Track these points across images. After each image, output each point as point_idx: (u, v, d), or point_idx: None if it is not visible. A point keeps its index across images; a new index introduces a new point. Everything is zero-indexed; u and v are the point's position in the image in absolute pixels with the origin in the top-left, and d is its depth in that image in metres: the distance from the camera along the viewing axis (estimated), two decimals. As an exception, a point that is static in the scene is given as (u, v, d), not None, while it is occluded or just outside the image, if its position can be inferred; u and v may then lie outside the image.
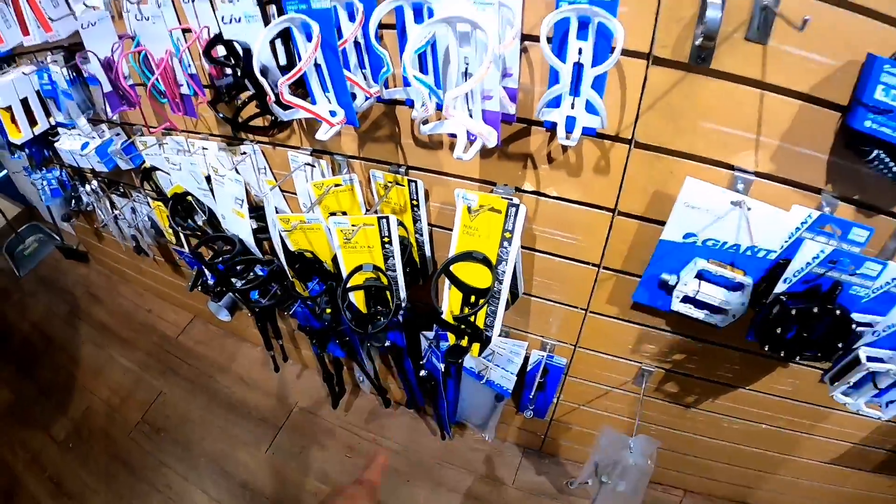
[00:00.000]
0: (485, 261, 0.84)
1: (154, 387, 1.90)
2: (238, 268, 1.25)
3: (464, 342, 0.91)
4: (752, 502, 1.44)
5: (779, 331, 0.75)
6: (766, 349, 0.79)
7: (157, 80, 1.08)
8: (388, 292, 0.98)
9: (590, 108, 0.72)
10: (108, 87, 1.24)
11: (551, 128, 0.75)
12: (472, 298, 0.87)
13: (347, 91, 0.79)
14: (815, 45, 0.61)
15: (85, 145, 1.54)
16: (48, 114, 1.49)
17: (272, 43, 0.81)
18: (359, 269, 0.96)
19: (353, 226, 0.92)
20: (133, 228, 1.76)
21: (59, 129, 1.57)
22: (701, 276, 0.81)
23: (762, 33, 0.62)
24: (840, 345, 0.77)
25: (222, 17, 0.86)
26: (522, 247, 0.95)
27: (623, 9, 0.62)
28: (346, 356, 1.37)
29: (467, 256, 0.85)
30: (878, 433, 1.08)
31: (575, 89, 0.70)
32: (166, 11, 0.97)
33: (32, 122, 1.46)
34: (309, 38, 0.73)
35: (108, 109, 1.31)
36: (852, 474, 1.20)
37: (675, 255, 0.81)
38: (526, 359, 1.14)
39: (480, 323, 0.89)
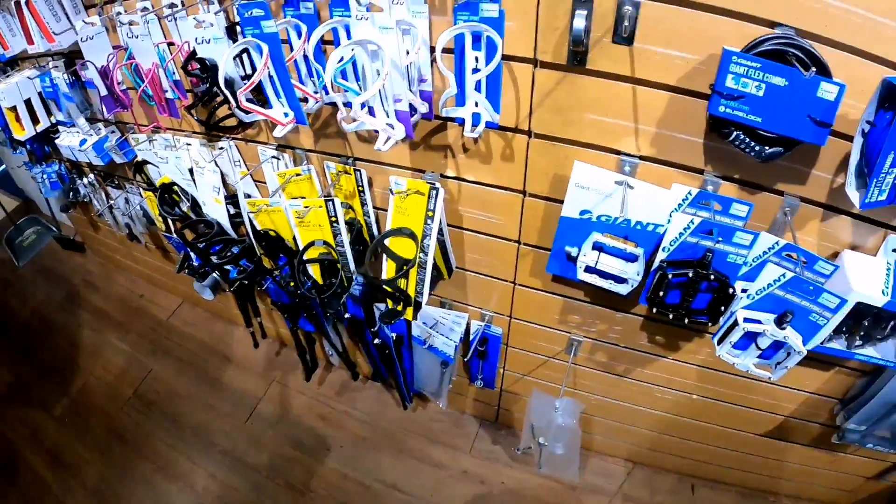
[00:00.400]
0: (412, 235, 0.99)
1: (145, 365, 2.06)
2: (217, 248, 1.41)
3: (399, 307, 1.05)
4: (701, 475, 1.55)
5: (661, 294, 0.88)
6: (654, 311, 0.92)
7: (146, 87, 1.23)
8: (339, 265, 1.13)
9: (491, 105, 0.87)
10: (104, 91, 1.39)
11: (462, 123, 0.89)
12: (404, 267, 1.01)
13: (296, 96, 0.94)
14: (676, 43, 0.73)
15: (83, 142, 1.70)
16: (49, 113, 1.66)
17: (239, 58, 0.96)
18: (311, 244, 1.11)
19: (305, 207, 1.07)
20: (126, 217, 1.92)
21: (60, 127, 1.73)
22: (600, 248, 0.93)
23: (626, 37, 0.75)
24: (722, 308, 0.89)
25: (195, 38, 1.01)
26: (452, 225, 1.10)
27: (510, 23, 0.78)
28: (315, 330, 1.53)
29: (398, 232, 1.00)
30: (807, 405, 1.17)
31: (478, 90, 0.85)
32: (153, 28, 1.13)
33: (35, 120, 1.62)
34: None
35: (105, 110, 1.47)
36: (789, 448, 1.30)
37: (576, 230, 0.95)
38: (468, 329, 1.28)
39: (412, 290, 1.04)
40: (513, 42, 0.80)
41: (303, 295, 1.26)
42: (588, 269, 0.96)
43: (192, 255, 1.55)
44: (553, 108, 0.85)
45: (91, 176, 2.01)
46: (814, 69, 0.66)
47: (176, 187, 1.52)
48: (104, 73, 1.37)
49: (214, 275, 1.70)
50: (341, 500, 1.59)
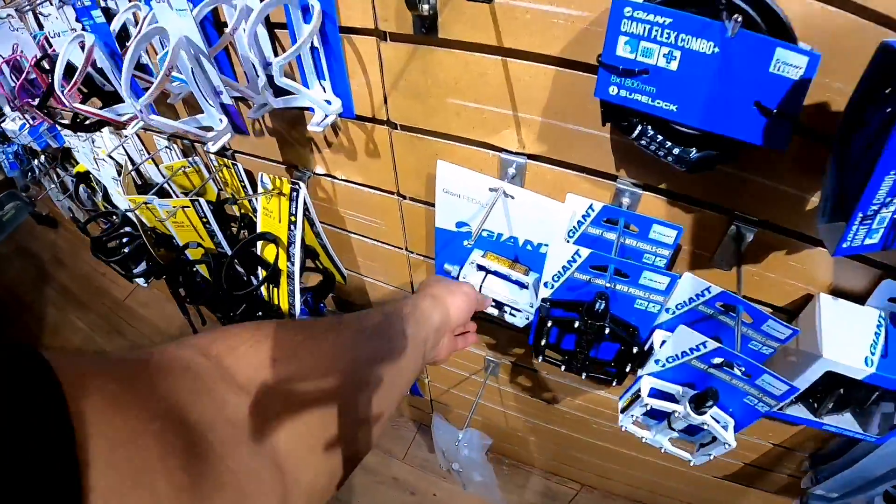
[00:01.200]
0: (276, 242, 0.85)
1: (99, 346, 1.98)
2: (125, 240, 1.31)
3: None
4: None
5: (542, 342, 0.67)
6: (540, 360, 0.70)
7: (24, 80, 1.12)
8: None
9: (339, 91, 0.71)
10: (12, 82, 1.29)
11: (314, 112, 0.74)
12: (267, 278, 0.88)
13: (141, 90, 0.80)
14: None
15: (22, 127, 1.63)
16: None
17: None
18: (187, 245, 0.99)
19: (173, 207, 0.95)
20: (68, 200, 1.85)
21: (5, 111, 1.67)
22: (485, 269, 0.73)
23: None
24: (628, 367, 0.66)
25: (49, 32, 0.88)
26: (336, 227, 0.95)
27: None
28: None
29: (261, 237, 0.87)
30: (770, 456, 0.95)
31: (320, 74, 0.70)
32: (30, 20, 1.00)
33: None
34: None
35: (18, 98, 1.37)
36: (752, 493, 1.10)
37: (455, 246, 0.75)
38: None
39: (284, 302, 0.91)
40: (348, 9, 0.59)
41: (202, 294, 1.16)
42: None
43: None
44: (410, 91, 0.64)
45: (41, 157, 1.96)
46: (763, 26, 0.40)
47: (91, 176, 1.43)
48: (10, 62, 1.28)
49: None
50: None
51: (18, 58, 1.15)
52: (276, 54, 0.69)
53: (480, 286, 0.72)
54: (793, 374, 0.59)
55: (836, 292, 0.61)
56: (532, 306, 0.71)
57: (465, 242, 0.74)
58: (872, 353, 0.56)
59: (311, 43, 0.64)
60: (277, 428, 0.32)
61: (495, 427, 1.33)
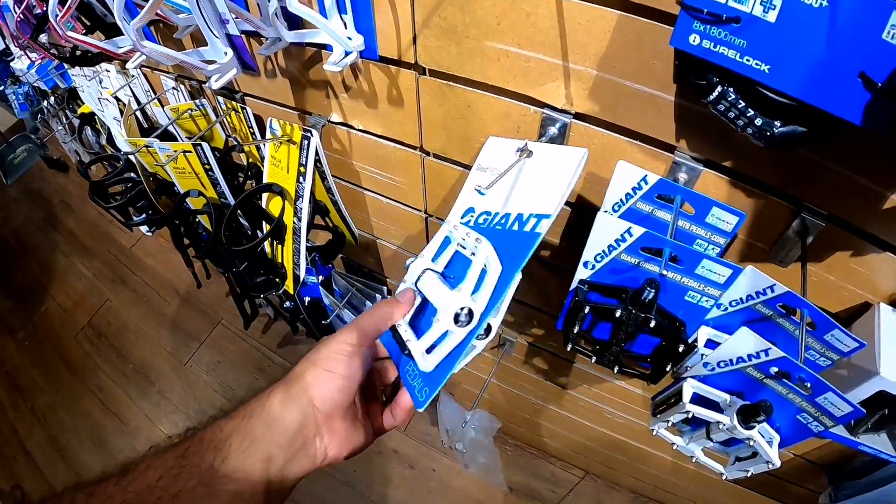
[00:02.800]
0: (282, 194, 0.77)
1: (102, 294, 1.95)
2: (129, 185, 1.24)
3: (277, 279, 0.86)
4: (660, 500, 1.34)
5: (576, 329, 0.57)
6: (569, 349, 0.61)
7: (25, 11, 1.03)
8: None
9: (362, 28, 0.62)
10: (19, 16, 1.21)
11: (332, 51, 0.65)
12: (270, 233, 0.81)
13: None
14: None
15: (31, 66, 1.55)
16: (3, 36, 1.51)
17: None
18: (188, 194, 0.92)
19: (174, 150, 0.87)
20: (74, 143, 1.78)
21: (13, 50, 1.59)
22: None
23: None
24: (668, 367, 0.57)
25: None
26: (350, 182, 0.87)
27: None
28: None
29: (267, 188, 0.79)
30: (789, 466, 0.86)
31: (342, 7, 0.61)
32: None
33: None
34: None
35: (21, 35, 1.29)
36: (762, 500, 1.02)
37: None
38: (387, 305, 1.09)
39: (288, 261, 0.84)
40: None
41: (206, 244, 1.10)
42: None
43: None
44: (444, 30, 0.55)
45: (51, 98, 1.88)
46: None
47: (96, 117, 1.36)
48: None
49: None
50: None
51: None
52: (292, -23, 0.59)
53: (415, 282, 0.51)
54: (843, 390, 0.51)
55: None
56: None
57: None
58: None
59: (333, -36, 0.55)
60: None
61: (502, 406, 1.28)
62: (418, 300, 0.48)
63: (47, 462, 1.63)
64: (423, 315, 0.49)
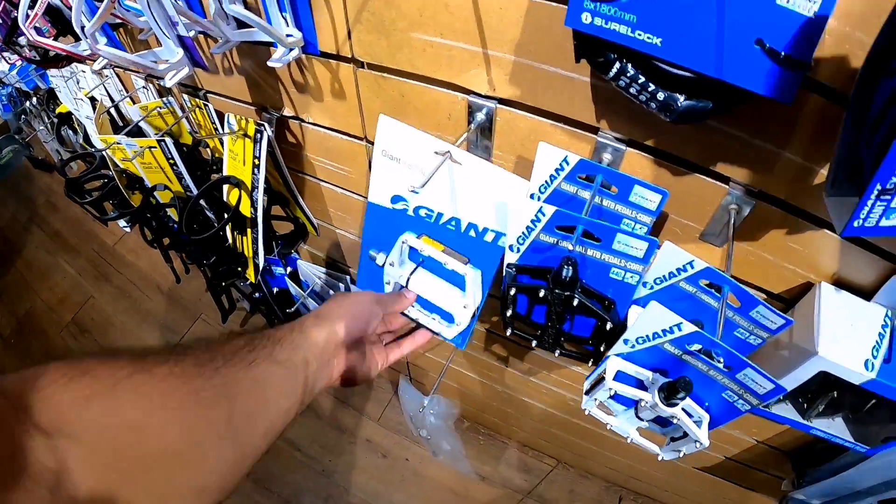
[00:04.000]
0: (239, 185, 0.83)
1: (86, 291, 2.00)
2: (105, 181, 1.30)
3: (238, 267, 0.92)
4: (633, 489, 1.38)
5: (508, 312, 0.62)
6: (509, 334, 0.65)
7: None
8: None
9: (302, 25, 0.68)
10: None
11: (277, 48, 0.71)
12: (228, 223, 0.87)
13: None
14: None
15: (12, 67, 1.62)
16: None
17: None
18: (155, 188, 0.98)
19: (139, 146, 0.93)
20: (54, 141, 1.84)
21: None
22: (419, 260, 0.65)
23: None
24: (603, 346, 0.61)
25: None
26: (307, 174, 0.93)
27: None
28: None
29: (225, 181, 0.85)
30: (753, 453, 0.91)
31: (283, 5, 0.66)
32: None
33: None
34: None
35: None
36: (732, 488, 1.06)
37: (386, 225, 0.65)
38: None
39: (248, 250, 0.90)
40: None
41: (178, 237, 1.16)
42: (401, 290, 0.67)
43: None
44: (374, 24, 0.60)
45: (34, 99, 1.95)
46: None
47: (73, 116, 1.42)
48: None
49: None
50: None
51: None
52: (235, -22, 0.65)
53: (408, 280, 0.64)
54: (783, 371, 0.54)
55: (841, 283, 0.55)
56: (467, 309, 0.62)
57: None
58: (874, 357, 0.50)
59: (270, -34, 0.60)
60: (80, 475, 0.28)
61: (472, 396, 1.33)
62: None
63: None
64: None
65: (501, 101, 0.60)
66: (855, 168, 0.36)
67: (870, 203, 0.34)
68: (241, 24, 0.68)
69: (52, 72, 1.45)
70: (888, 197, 0.34)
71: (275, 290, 1.17)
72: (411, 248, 0.63)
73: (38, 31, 0.85)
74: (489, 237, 0.58)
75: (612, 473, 1.37)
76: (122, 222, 1.63)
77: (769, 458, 0.90)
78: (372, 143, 0.77)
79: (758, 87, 0.37)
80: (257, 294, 1.18)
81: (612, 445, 1.19)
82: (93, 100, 1.30)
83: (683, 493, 1.23)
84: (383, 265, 0.65)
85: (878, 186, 0.33)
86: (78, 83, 1.34)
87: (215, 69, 0.84)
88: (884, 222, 0.35)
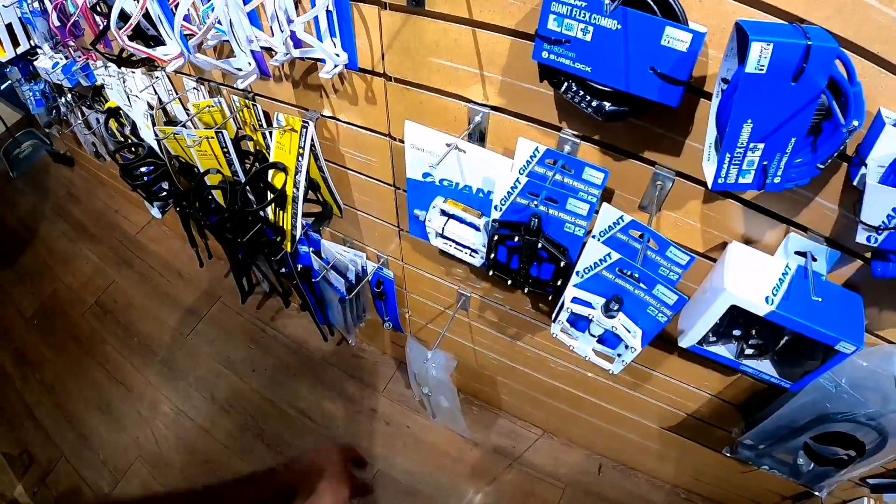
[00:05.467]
0: (284, 170, 1.06)
1: (109, 276, 2.21)
2: (145, 168, 1.53)
3: (278, 238, 1.15)
4: (612, 457, 1.57)
5: (492, 256, 0.86)
6: (491, 274, 0.90)
7: (79, 16, 1.32)
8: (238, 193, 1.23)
9: (346, 47, 0.91)
10: (56, 21, 1.50)
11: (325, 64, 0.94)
12: (274, 200, 1.10)
13: (184, 36, 1.01)
14: None
15: (56, 65, 1.84)
16: (29, 37, 1.80)
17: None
18: (208, 172, 1.21)
19: (199, 136, 1.16)
20: (92, 136, 2.07)
21: (38, 50, 1.88)
22: (448, 214, 0.92)
23: None
24: (559, 282, 0.84)
25: None
26: (336, 164, 1.16)
27: None
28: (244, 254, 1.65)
29: (273, 166, 1.08)
30: (709, 407, 1.10)
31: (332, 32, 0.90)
32: None
33: (16, 43, 1.75)
34: None
35: (60, 38, 1.59)
36: (697, 448, 1.26)
37: (422, 193, 0.93)
38: (366, 269, 1.38)
39: (288, 224, 1.13)
40: (358, -19, 0.80)
41: (218, 216, 1.38)
42: (439, 236, 0.95)
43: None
44: (402, 50, 0.83)
45: (69, 96, 2.17)
46: (657, 10, 0.56)
47: (121, 111, 1.65)
48: (53, 2, 1.48)
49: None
50: (257, 420, 1.71)
51: (64, 2, 1.36)
52: (297, 14, 0.89)
53: (443, 228, 0.92)
54: (703, 308, 0.75)
55: (750, 242, 0.77)
56: (485, 245, 0.89)
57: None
58: (774, 294, 0.66)
59: (327, 7, 0.84)
60: None
61: (467, 367, 1.55)
62: None
63: (56, 428, 1.86)
64: None
65: (493, 107, 0.85)
66: (717, 143, 0.60)
67: (725, 166, 0.58)
68: (298, 44, 0.92)
69: (99, 71, 1.67)
70: (738, 162, 0.58)
71: (300, 266, 1.39)
72: (441, 209, 0.91)
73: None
74: (492, 196, 0.85)
75: (592, 441, 1.58)
76: (154, 209, 1.85)
77: (723, 413, 1.11)
78: (395, 139, 1.00)
79: (653, 96, 0.62)
80: (283, 269, 1.41)
81: (590, 408, 1.41)
82: (128, 97, 1.53)
83: (658, 459, 1.44)
84: (425, 220, 0.94)
85: (728, 154, 0.57)
86: (124, 82, 1.56)
87: (270, 76, 1.07)
88: (741, 180, 0.59)
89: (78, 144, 2.46)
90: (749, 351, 0.80)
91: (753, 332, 0.78)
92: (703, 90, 0.65)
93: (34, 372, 2.00)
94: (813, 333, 0.65)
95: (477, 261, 0.94)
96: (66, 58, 1.78)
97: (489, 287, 1.21)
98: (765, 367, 0.79)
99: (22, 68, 2.15)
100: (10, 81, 3.03)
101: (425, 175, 0.91)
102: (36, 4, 1.63)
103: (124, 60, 1.19)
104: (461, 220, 0.92)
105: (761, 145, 0.56)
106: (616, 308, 0.78)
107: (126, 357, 1.94)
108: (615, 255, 0.75)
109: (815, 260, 0.71)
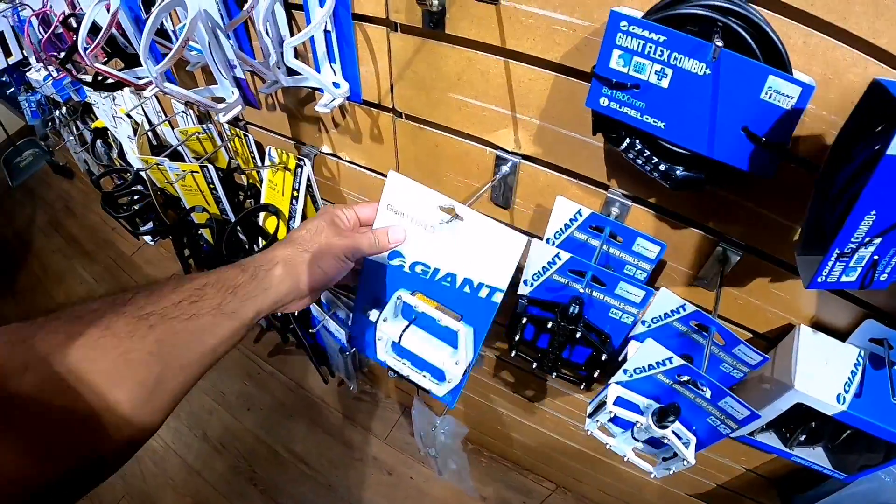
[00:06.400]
0: (277, 214, 0.91)
1: None
2: (135, 197, 1.38)
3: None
4: None
5: (517, 336, 0.70)
6: (514, 355, 0.73)
7: (50, 35, 1.19)
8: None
9: (348, 75, 0.76)
10: (41, 34, 1.36)
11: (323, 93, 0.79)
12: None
13: (160, 55, 0.85)
14: (558, 1, 0.52)
15: (46, 77, 1.71)
16: (22, 47, 1.67)
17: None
18: (192, 209, 1.05)
19: (182, 170, 1.00)
20: (84, 153, 1.93)
21: (31, 61, 1.75)
22: (411, 318, 0.62)
23: None
24: (597, 373, 0.69)
25: None
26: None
27: None
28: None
29: (263, 208, 0.92)
30: (742, 481, 0.96)
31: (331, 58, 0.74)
32: None
33: (7, 52, 1.63)
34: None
35: (44, 51, 1.45)
36: None
37: (381, 280, 0.62)
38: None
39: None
40: (363, -4, 0.63)
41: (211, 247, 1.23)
42: (394, 346, 0.63)
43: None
44: (415, 82, 0.68)
45: (63, 109, 2.04)
46: (759, 53, 0.41)
47: (109, 132, 1.50)
48: (39, 16, 1.35)
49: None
50: (250, 462, 1.56)
51: (48, 12, 1.22)
52: (292, 34, 0.73)
53: (400, 336, 0.60)
54: (764, 402, 0.62)
55: (818, 326, 0.63)
56: (459, 366, 0.58)
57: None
58: (846, 391, 0.57)
59: (325, 26, 0.68)
60: None
61: (477, 418, 1.39)
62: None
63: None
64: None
65: (525, 157, 0.69)
66: (819, 232, 0.44)
67: (830, 263, 0.43)
68: (293, 70, 0.76)
69: (88, 88, 1.53)
70: (846, 259, 0.42)
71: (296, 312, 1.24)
72: (405, 304, 0.60)
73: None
74: (483, 293, 0.55)
75: (608, 500, 1.42)
76: (147, 236, 1.70)
77: (757, 487, 0.96)
78: (404, 183, 0.84)
79: (743, 164, 0.46)
80: (279, 314, 1.25)
81: (608, 470, 1.25)
82: (129, 118, 1.38)
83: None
84: (376, 322, 0.62)
85: (837, 251, 0.42)
86: (114, 100, 1.41)
87: (259, 107, 0.92)
88: (844, 278, 0.44)
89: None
90: (801, 438, 0.69)
91: (812, 425, 0.67)
92: (793, 154, 0.49)
93: (20, 397, 1.85)
94: (886, 435, 0.56)
95: (439, 389, 0.63)
96: (59, 72, 1.65)
97: (507, 348, 1.04)
98: (817, 457, 0.69)
99: (16, 79, 2.03)
100: (13, 88, 2.93)
101: (392, 255, 0.59)
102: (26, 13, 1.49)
103: (98, 83, 1.04)
104: (429, 327, 0.61)
105: (878, 240, 0.41)
106: (672, 419, 0.60)
107: (114, 387, 1.79)
108: (677, 361, 0.57)
109: (890, 348, 0.59)
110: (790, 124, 0.42)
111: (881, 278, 0.44)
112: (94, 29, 0.81)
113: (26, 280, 2.24)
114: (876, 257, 0.42)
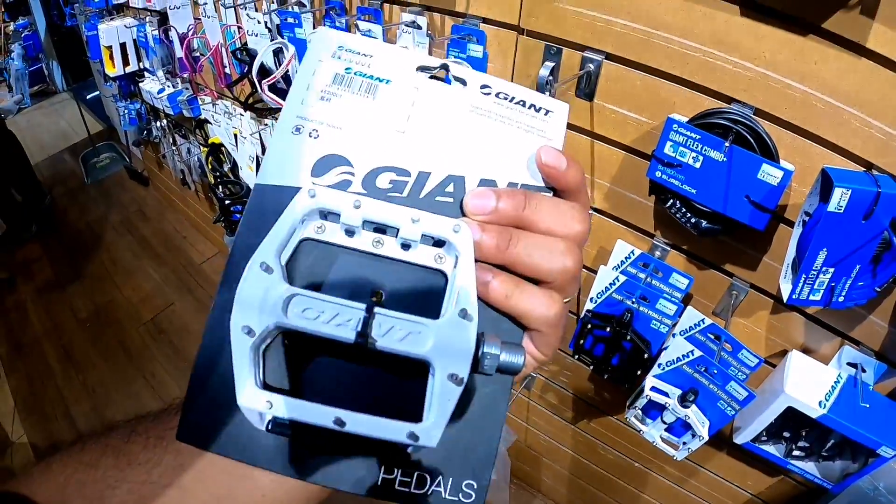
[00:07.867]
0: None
1: (168, 297, 2.38)
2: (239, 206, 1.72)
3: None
4: None
5: (581, 342, 0.99)
6: (576, 358, 1.02)
7: (209, 57, 1.57)
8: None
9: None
10: (180, 53, 1.76)
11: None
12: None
13: None
14: (631, 104, 0.82)
15: (161, 90, 2.09)
16: (139, 59, 2.03)
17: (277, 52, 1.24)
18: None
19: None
20: (183, 164, 2.30)
21: (145, 73, 2.15)
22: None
23: (588, 92, 0.86)
24: (638, 372, 0.96)
25: (247, 31, 1.29)
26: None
27: (491, 65, 0.94)
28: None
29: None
30: None
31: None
32: (224, 12, 1.42)
33: (126, 62, 1.98)
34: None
35: (178, 69, 1.84)
36: None
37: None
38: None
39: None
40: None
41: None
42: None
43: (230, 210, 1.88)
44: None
45: (164, 121, 2.43)
46: (757, 148, 0.71)
47: (224, 148, 1.86)
48: (182, 38, 1.74)
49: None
50: None
51: (192, 37, 1.60)
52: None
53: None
54: (763, 407, 0.87)
55: (807, 351, 0.89)
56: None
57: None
58: (827, 399, 0.76)
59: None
60: None
61: (514, 444, 1.62)
62: None
63: (88, 430, 1.97)
64: None
65: (596, 209, 1.01)
66: (794, 264, 0.74)
67: (800, 285, 0.71)
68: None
69: (206, 106, 1.90)
70: (811, 282, 0.71)
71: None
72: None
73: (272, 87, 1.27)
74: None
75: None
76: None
77: None
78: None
79: (745, 219, 0.76)
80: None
81: (631, 498, 1.46)
82: (236, 137, 1.74)
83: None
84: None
85: (804, 275, 0.71)
86: (230, 120, 1.77)
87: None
88: (812, 297, 0.72)
89: (158, 166, 2.72)
90: (797, 452, 0.90)
91: (803, 433, 0.86)
92: (783, 217, 0.80)
93: (78, 372, 2.14)
94: (858, 437, 0.75)
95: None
96: (174, 87, 2.03)
97: (557, 370, 1.31)
98: (809, 467, 0.88)
99: (123, 86, 2.40)
100: (98, 93, 3.37)
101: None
102: (156, 32, 1.87)
103: (250, 106, 1.39)
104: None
105: (832, 269, 0.70)
106: (692, 399, 0.89)
107: (173, 377, 2.07)
108: (697, 353, 0.87)
109: (864, 371, 0.82)
110: (777, 195, 0.73)
111: (839, 300, 0.72)
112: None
113: (95, 269, 2.57)
114: (833, 284, 0.71)
